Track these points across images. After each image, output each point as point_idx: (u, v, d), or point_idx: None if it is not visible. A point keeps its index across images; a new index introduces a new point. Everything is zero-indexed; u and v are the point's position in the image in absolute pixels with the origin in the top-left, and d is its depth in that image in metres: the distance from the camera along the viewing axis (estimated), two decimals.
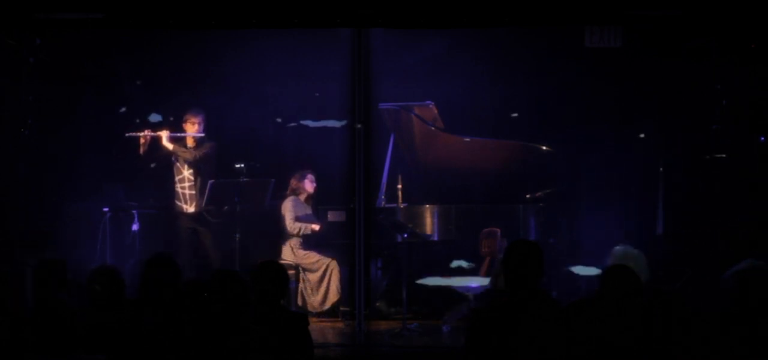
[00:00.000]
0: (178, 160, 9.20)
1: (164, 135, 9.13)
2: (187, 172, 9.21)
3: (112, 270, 5.82)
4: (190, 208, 9.18)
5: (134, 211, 9.31)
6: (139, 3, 8.02)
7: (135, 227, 9.27)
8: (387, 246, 9.20)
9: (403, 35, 9.10)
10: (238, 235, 9.04)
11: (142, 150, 9.10)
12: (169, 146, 9.13)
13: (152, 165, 9.27)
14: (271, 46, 9.59)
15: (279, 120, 10.48)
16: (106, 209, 9.26)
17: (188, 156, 9.17)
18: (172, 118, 9.46)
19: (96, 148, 9.54)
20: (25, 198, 8.69)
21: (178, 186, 9.22)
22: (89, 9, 8.00)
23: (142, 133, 9.13)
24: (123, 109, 10.04)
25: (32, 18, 8.08)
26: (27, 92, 8.77)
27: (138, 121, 9.69)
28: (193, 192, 9.17)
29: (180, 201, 9.20)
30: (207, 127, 9.25)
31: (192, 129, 9.20)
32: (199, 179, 9.16)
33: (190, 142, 9.25)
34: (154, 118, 9.71)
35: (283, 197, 9.45)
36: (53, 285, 5.84)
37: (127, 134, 9.15)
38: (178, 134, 9.20)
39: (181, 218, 9.19)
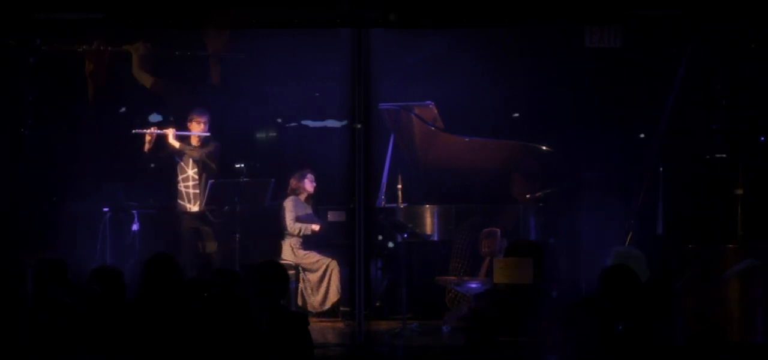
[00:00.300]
0: (182, 159, 9.19)
1: (170, 133, 9.13)
2: (191, 171, 9.20)
3: (112, 270, 5.82)
4: (194, 207, 9.17)
5: (134, 211, 9.30)
6: (139, 3, 8.02)
7: (135, 227, 9.27)
8: (382, 247, 9.22)
9: (403, 35, 9.09)
10: (238, 235, 9.04)
11: (147, 147, 9.09)
12: (176, 144, 9.13)
13: (152, 165, 9.27)
14: (271, 46, 9.59)
15: (279, 120, 10.48)
16: (106, 209, 9.25)
17: (195, 154, 9.17)
18: (172, 118, 9.46)
19: (96, 148, 9.53)
20: (25, 198, 8.69)
21: (181, 185, 9.21)
22: (89, 9, 8.01)
23: (148, 131, 9.12)
24: (123, 109, 10.04)
25: (32, 18, 8.08)
26: (27, 92, 8.76)
27: (138, 121, 9.68)
28: (197, 191, 9.16)
29: (183, 200, 9.19)
30: (211, 127, 9.28)
31: (197, 128, 9.20)
32: (203, 178, 9.16)
33: (194, 142, 9.25)
34: (154, 118, 9.71)
35: (284, 197, 9.45)
36: (53, 285, 5.84)
37: (133, 131, 9.15)
38: (184, 133, 9.20)
39: (184, 217, 9.18)
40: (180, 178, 9.21)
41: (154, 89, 9.47)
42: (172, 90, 9.44)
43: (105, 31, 9.06)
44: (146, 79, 9.35)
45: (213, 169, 9.22)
